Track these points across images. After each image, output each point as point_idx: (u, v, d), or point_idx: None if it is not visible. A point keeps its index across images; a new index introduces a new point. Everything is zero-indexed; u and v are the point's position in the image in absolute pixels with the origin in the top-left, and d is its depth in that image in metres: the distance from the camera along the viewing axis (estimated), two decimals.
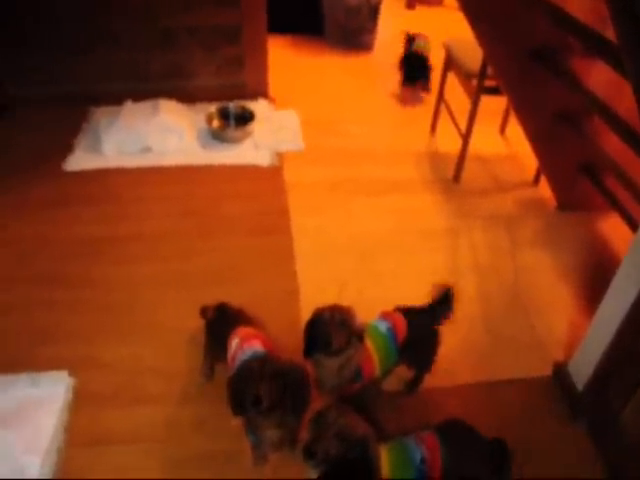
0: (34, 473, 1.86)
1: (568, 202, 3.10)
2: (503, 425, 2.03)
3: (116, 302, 2.46)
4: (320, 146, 3.54)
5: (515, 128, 3.29)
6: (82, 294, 2.49)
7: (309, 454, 1.54)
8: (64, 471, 1.87)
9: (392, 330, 1.93)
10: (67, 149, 3.41)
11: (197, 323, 2.20)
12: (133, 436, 1.97)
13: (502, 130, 3.76)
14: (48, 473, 1.86)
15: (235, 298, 2.22)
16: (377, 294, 2.48)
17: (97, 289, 2.52)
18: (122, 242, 2.77)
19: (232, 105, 3.75)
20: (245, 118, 3.64)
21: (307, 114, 3.84)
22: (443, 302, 2.05)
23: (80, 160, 3.37)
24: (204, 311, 2.20)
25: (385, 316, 1.99)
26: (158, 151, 3.43)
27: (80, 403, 2.07)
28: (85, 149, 3.46)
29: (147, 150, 3.43)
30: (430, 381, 2.15)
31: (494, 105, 3.38)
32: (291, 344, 1.90)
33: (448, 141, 3.54)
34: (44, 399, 2.06)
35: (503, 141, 3.71)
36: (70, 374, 2.14)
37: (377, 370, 1.90)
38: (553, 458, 1.98)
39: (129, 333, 2.33)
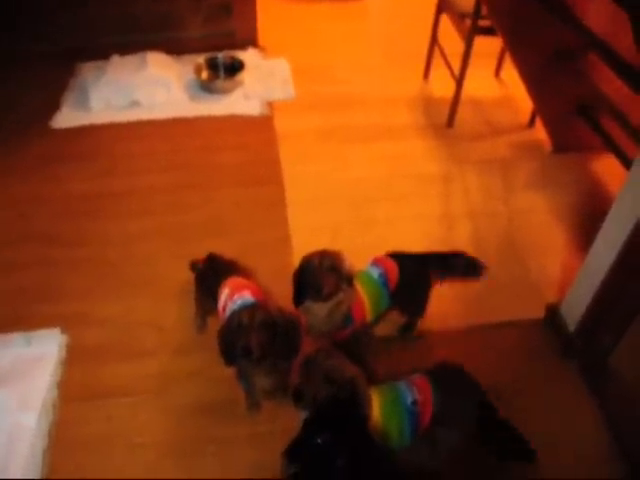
0: (31, 428, 1.90)
1: (563, 144, 3.04)
2: (496, 368, 2.07)
3: (109, 258, 2.46)
4: (311, 94, 3.47)
5: (510, 71, 3.21)
6: (75, 251, 2.49)
7: (297, 397, 1.56)
8: (60, 425, 1.92)
9: (384, 275, 1.93)
10: (55, 106, 3.35)
11: (189, 276, 2.21)
12: (128, 389, 2.01)
13: (497, 73, 3.66)
14: (44, 428, 1.91)
15: (227, 249, 2.22)
16: (370, 241, 2.48)
17: (89, 245, 2.52)
18: (113, 198, 2.75)
19: (221, 55, 3.66)
20: (234, 68, 3.56)
21: (298, 62, 3.74)
22: (456, 261, 2.06)
23: (68, 117, 3.31)
24: (194, 265, 2.21)
25: (377, 262, 1.99)
26: (147, 105, 3.36)
27: (74, 359, 2.10)
28: (72, 106, 3.39)
29: (135, 104, 3.36)
30: (423, 326, 2.17)
31: (489, 47, 3.28)
32: (283, 292, 1.89)
33: (442, 85, 3.45)
34: (38, 357, 2.09)
35: (498, 84, 3.61)
36: (63, 331, 2.17)
37: (369, 315, 1.91)
38: (546, 399, 2.01)
39: (122, 288, 2.34)
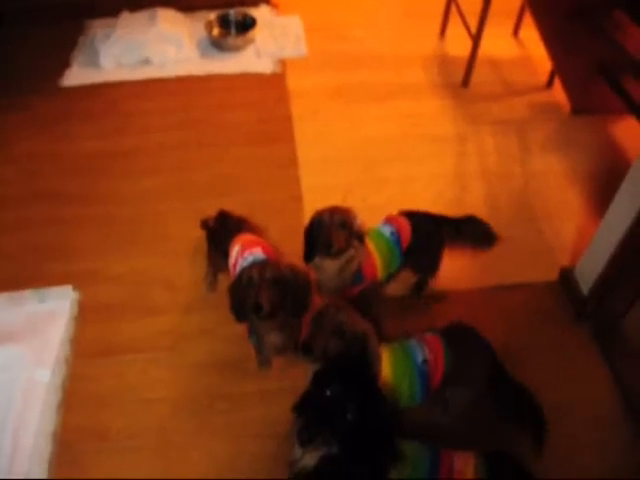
0: (45, 383, 1.93)
1: (582, 105, 2.96)
2: (508, 329, 2.06)
3: (119, 216, 2.46)
4: (324, 51, 3.39)
5: (529, 30, 3.12)
6: (85, 209, 2.49)
7: (307, 349, 1.56)
8: (73, 380, 1.95)
9: (396, 234, 1.90)
10: (64, 64, 3.32)
11: (200, 234, 2.20)
12: (139, 346, 2.03)
13: (515, 32, 3.54)
14: (58, 383, 1.94)
15: (238, 207, 2.21)
16: (382, 201, 2.45)
17: (100, 204, 2.52)
18: (124, 156, 2.74)
19: (232, 12, 3.57)
20: (246, 25, 3.48)
21: (311, 19, 3.65)
22: (470, 226, 2.04)
23: (78, 75, 3.28)
24: (205, 222, 2.20)
25: (389, 220, 1.96)
26: (157, 62, 3.32)
27: (86, 316, 2.12)
28: (82, 63, 3.36)
29: (146, 62, 3.32)
30: (435, 286, 2.15)
31: (507, 5, 3.19)
32: (294, 249, 1.88)
33: (458, 44, 3.35)
34: (51, 313, 2.12)
35: (516, 44, 3.50)
36: (75, 288, 2.19)
37: (380, 273, 1.89)
38: (557, 361, 2.00)
39: (133, 246, 2.34)
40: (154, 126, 2.90)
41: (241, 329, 1.86)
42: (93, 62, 3.33)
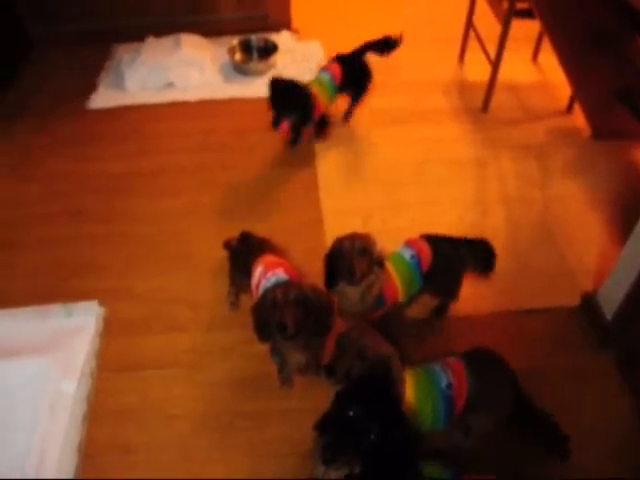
0: (71, 396, 1.96)
1: (602, 130, 2.97)
2: (529, 355, 2.04)
3: (144, 235, 2.51)
4: None
5: (548, 55, 3.14)
6: (109, 227, 2.54)
7: (330, 371, 1.57)
8: (97, 394, 1.97)
9: (416, 257, 1.91)
10: (91, 87, 3.41)
11: (222, 254, 2.23)
12: (162, 362, 2.05)
13: (534, 57, 3.58)
14: (83, 396, 1.96)
15: (260, 229, 2.23)
16: (402, 224, 2.46)
17: (123, 223, 2.57)
18: (148, 177, 2.79)
19: (254, 38, 3.66)
20: (268, 50, 3.56)
21: (331, 45, 3.68)
22: (474, 249, 2.03)
23: (104, 98, 3.37)
24: (228, 243, 2.23)
25: (409, 243, 1.97)
26: (181, 86, 3.40)
27: (111, 331, 2.15)
28: (108, 86, 3.45)
29: (170, 85, 3.41)
30: (456, 309, 2.15)
31: (526, 31, 3.22)
32: (315, 271, 1.89)
33: (477, 69, 3.39)
34: (77, 328, 2.15)
35: (535, 69, 3.53)
36: (101, 304, 2.22)
37: (401, 296, 1.90)
38: (579, 389, 1.97)
39: (156, 265, 2.38)
40: (177, 148, 2.96)
41: (262, 348, 1.88)
42: (119, 85, 3.42)
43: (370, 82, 3.02)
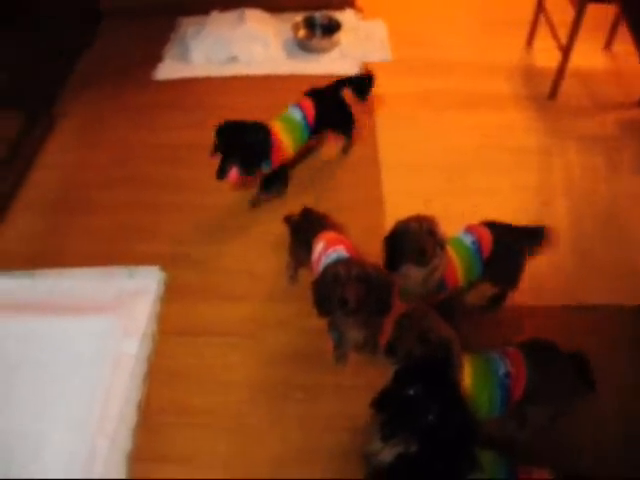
0: (132, 356, 2.04)
1: None
2: (586, 350, 1.99)
3: (207, 205, 2.56)
4: (408, 57, 3.40)
5: (622, 44, 3.01)
6: (174, 197, 2.60)
7: (390, 351, 1.58)
8: (157, 355, 2.05)
9: (477, 243, 1.89)
10: (157, 58, 3.48)
11: (283, 228, 2.26)
12: (220, 329, 2.11)
13: (607, 45, 3.43)
14: (144, 357, 2.04)
15: (320, 205, 2.25)
16: (463, 210, 2.42)
17: (188, 193, 2.62)
18: (207, 148, 2.81)
19: (318, 15, 3.63)
20: (331, 28, 3.53)
21: (395, 24, 3.67)
22: (532, 235, 1.98)
23: (169, 69, 3.43)
24: (288, 218, 2.25)
25: (470, 229, 1.95)
26: (244, 60, 3.42)
27: (171, 296, 2.21)
28: (174, 58, 3.50)
29: (233, 59, 3.43)
30: (514, 299, 2.12)
31: (600, 15, 3.09)
32: (373, 251, 1.90)
33: (545, 55, 3.28)
34: (139, 290, 2.22)
35: (607, 57, 3.39)
36: (162, 269, 2.29)
37: (460, 281, 1.89)
38: (637, 390, 1.92)
39: (218, 235, 2.43)
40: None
41: (319, 323, 1.89)
42: (184, 57, 3.47)
43: (354, 123, 2.66)
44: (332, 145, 2.81)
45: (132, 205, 2.59)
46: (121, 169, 2.77)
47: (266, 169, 2.35)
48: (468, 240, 1.91)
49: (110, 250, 2.39)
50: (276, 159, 2.33)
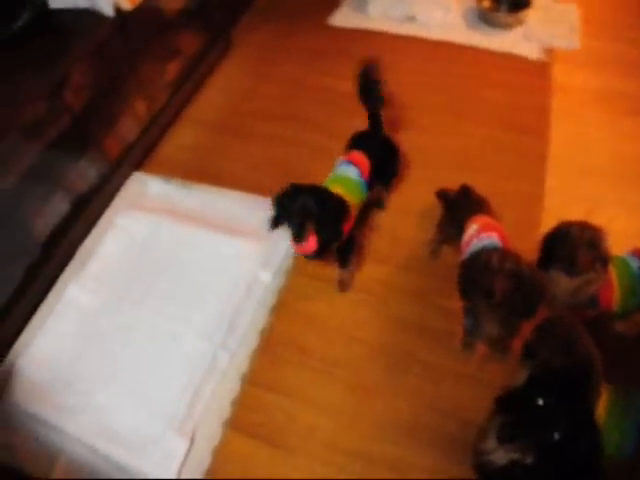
0: (266, 284, 2.13)
1: None
2: None
3: None
4: (597, 49, 3.12)
5: None
6: (332, 144, 2.48)
7: (528, 354, 1.52)
8: (287, 292, 2.11)
9: None
10: (334, 4, 3.47)
11: (432, 200, 2.22)
12: (355, 285, 2.12)
13: None
14: (276, 289, 2.12)
15: (475, 187, 2.16)
16: (630, 228, 2.21)
17: (344, 141, 2.61)
18: None
19: None
20: (517, 4, 3.31)
21: (589, 11, 3.37)
22: None
23: (345, 16, 3.42)
24: (444, 193, 2.20)
25: (636, 253, 1.79)
26: (422, 22, 3.32)
27: None
28: (351, 7, 3.49)
29: (410, 19, 3.34)
30: None
31: None
32: (524, 247, 1.78)
33: None
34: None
35: None
36: None
37: (616, 305, 1.75)
38: None
39: None
40: (408, 82, 2.91)
41: (454, 305, 1.87)
42: (361, 8, 3.44)
43: (401, 162, 2.32)
44: (495, 125, 2.69)
45: (288, 142, 2.65)
46: (284, 106, 2.84)
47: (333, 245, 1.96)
48: (635, 264, 1.76)
49: (262, 181, 2.47)
50: (346, 230, 1.95)
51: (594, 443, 1.30)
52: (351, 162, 2.07)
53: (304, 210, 1.80)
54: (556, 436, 1.27)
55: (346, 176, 2.03)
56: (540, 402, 1.31)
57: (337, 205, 1.88)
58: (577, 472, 1.29)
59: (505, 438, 1.32)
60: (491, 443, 1.36)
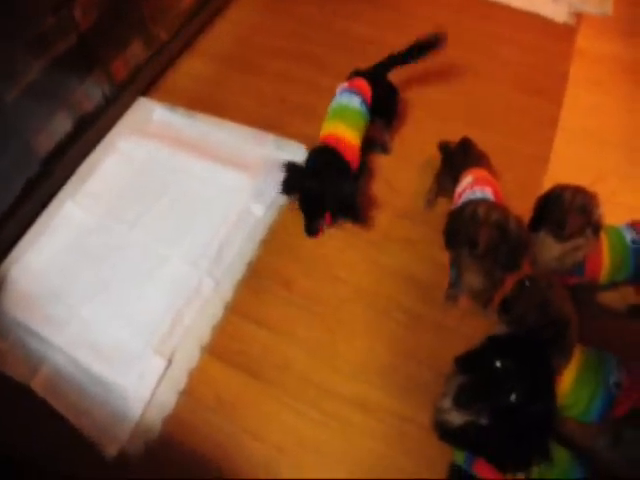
0: (257, 217, 2.15)
1: None
2: None
3: None
4: (631, 18, 2.99)
5: None
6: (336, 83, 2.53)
7: (505, 308, 1.52)
8: (279, 226, 2.13)
9: (638, 242, 1.71)
10: None
11: (433, 152, 2.20)
12: (346, 225, 2.12)
13: None
14: (267, 223, 2.15)
15: (480, 143, 2.12)
16: (632, 202, 2.17)
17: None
18: (387, 49, 2.72)
19: None
20: None
21: None
22: None
23: None
24: (445, 145, 2.17)
25: (636, 226, 1.75)
26: None
27: None
28: None
29: None
30: None
31: None
32: (520, 208, 1.75)
33: None
34: (281, 162, 2.26)
35: None
36: (307, 150, 2.27)
37: (603, 276, 1.74)
38: None
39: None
40: (425, 32, 2.82)
41: (443, 256, 1.87)
42: None
43: (399, 103, 2.31)
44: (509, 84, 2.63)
45: (297, 81, 2.62)
46: (297, 44, 2.80)
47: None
48: (628, 236, 1.73)
49: (267, 117, 2.46)
50: (354, 168, 2.01)
51: (548, 407, 1.30)
52: (353, 89, 2.07)
53: (315, 205, 1.97)
54: (511, 399, 1.26)
55: (348, 107, 2.04)
56: (498, 364, 1.29)
57: (349, 191, 1.92)
58: (530, 434, 1.30)
59: (461, 403, 1.31)
60: (447, 402, 1.35)
